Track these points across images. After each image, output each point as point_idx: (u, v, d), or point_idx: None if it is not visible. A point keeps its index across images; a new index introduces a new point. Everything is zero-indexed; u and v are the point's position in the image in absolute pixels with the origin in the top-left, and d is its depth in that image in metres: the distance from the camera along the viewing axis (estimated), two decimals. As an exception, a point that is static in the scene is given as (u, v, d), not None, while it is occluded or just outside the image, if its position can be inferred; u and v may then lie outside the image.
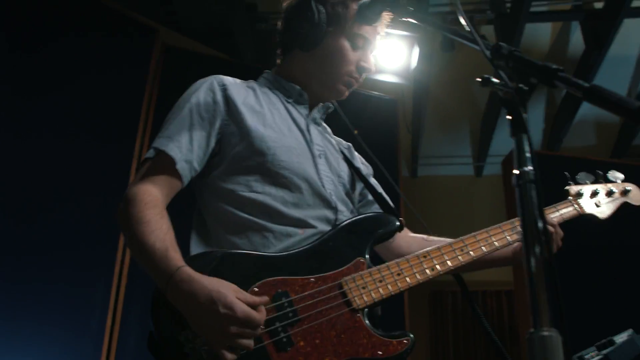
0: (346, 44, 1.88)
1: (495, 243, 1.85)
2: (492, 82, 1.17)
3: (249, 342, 1.39)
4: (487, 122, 7.13)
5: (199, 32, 5.60)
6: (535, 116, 7.36)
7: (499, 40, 5.94)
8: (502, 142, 7.05)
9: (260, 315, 1.40)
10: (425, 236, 2.01)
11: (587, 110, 6.79)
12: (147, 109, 4.02)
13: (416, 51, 4.97)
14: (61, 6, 3.73)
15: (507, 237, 1.87)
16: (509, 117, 1.17)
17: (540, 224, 1.04)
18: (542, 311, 0.98)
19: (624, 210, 2.12)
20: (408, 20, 1.65)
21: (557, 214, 2.01)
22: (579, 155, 6.29)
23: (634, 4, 5.38)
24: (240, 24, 5.53)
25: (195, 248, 1.73)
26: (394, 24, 1.98)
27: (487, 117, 7.08)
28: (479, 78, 1.19)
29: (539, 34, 6.52)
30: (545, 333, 0.96)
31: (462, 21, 1.36)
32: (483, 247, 1.83)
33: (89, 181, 3.61)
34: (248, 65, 5.23)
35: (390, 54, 4.99)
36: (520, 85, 1.12)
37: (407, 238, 2.01)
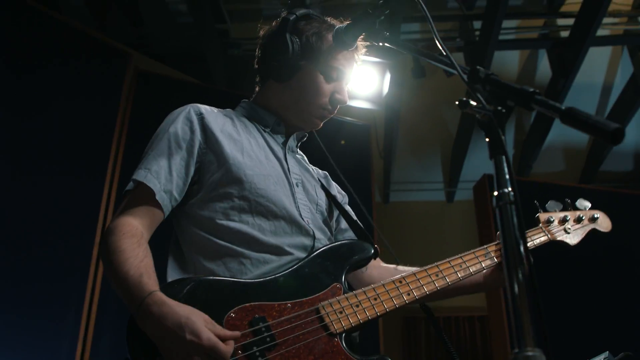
0: (320, 77, 1.88)
1: (470, 269, 1.86)
2: (470, 104, 1.18)
3: None
4: (458, 147, 7.21)
5: (171, 57, 5.61)
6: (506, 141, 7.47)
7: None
8: (474, 167, 7.13)
9: (227, 348, 1.38)
10: (395, 266, 2.00)
11: (555, 136, 6.93)
12: (120, 134, 3.99)
13: (388, 77, 5.01)
14: (32, 30, 3.70)
15: (481, 262, 1.88)
16: (487, 139, 1.17)
17: (521, 245, 1.04)
18: (526, 331, 0.98)
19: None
20: (383, 46, 1.67)
21: (528, 240, 2.02)
22: (548, 181, 6.40)
23: (599, 33, 5.54)
24: (213, 50, 5.55)
25: (172, 275, 1.71)
26: (367, 50, 1.99)
27: (458, 142, 7.17)
28: (457, 101, 1.19)
29: (507, 62, 6.67)
30: (530, 353, 0.96)
31: (439, 45, 1.37)
32: (458, 273, 1.84)
33: (59, 208, 3.56)
34: (221, 90, 5.23)
35: (362, 80, 5.03)
36: (499, 107, 1.13)
37: (379, 268, 2.01)
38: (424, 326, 7.18)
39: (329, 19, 1.95)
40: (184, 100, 1.90)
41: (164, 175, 1.67)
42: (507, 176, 1.12)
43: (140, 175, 1.67)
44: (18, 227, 3.37)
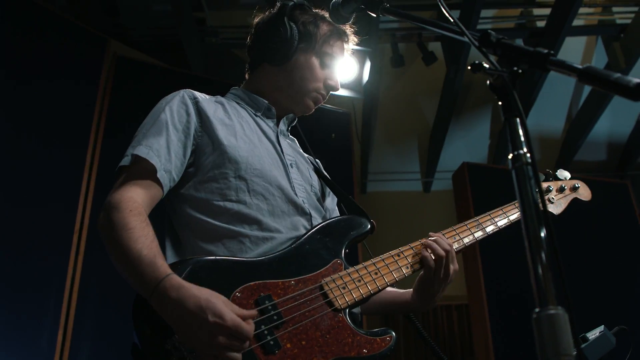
0: (315, 61, 1.95)
1: (464, 240, 1.89)
2: (483, 67, 1.17)
3: (237, 356, 1.33)
4: (435, 137, 7.25)
5: (148, 45, 5.54)
6: (481, 132, 7.54)
7: (446, 57, 6.08)
8: (450, 158, 7.18)
9: (250, 327, 1.35)
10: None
11: (530, 126, 6.93)
12: (99, 118, 3.93)
13: (368, 65, 5.00)
14: (9, 13, 3.61)
15: (474, 234, 1.92)
16: (500, 102, 1.16)
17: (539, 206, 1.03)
18: (548, 290, 0.97)
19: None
20: (383, 16, 1.65)
21: (516, 210, 2.04)
22: (525, 169, 6.46)
23: (574, 23, 5.60)
24: (190, 38, 5.48)
25: (170, 259, 1.68)
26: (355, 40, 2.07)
27: (435, 133, 7.20)
28: (470, 65, 1.18)
29: (484, 52, 6.70)
30: (552, 311, 0.95)
31: (446, 14, 1.36)
32: (455, 244, 1.86)
33: (39, 190, 3.48)
34: (198, 76, 5.17)
35: (342, 68, 5.00)
36: (515, 68, 1.12)
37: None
38: (402, 317, 7.20)
39: (320, 11, 2.02)
40: (163, 86, 1.90)
41: (164, 154, 1.65)
42: (523, 138, 1.11)
43: (142, 151, 1.63)
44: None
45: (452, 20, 1.34)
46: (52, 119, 3.67)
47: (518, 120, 1.13)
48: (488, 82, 1.20)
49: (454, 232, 1.89)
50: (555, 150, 7.46)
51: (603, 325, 1.89)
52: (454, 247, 1.83)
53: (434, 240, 1.80)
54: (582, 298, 4.63)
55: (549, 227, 1.02)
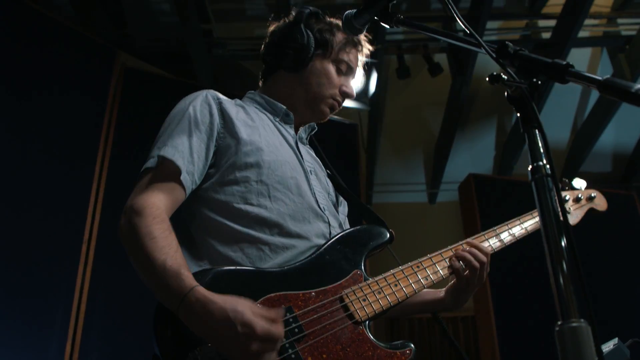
0: (332, 68, 1.95)
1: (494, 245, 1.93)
2: (502, 78, 1.17)
3: (272, 357, 1.34)
4: (440, 148, 7.24)
5: (155, 57, 5.56)
6: (486, 143, 7.54)
7: (451, 69, 6.09)
8: (456, 168, 7.18)
9: (280, 330, 1.34)
10: None
11: (536, 137, 6.98)
12: (108, 129, 3.94)
13: (374, 77, 5.02)
14: (18, 23, 3.63)
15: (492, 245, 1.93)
16: (518, 113, 1.16)
17: (560, 215, 1.03)
18: (570, 302, 0.97)
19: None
20: (397, 27, 1.66)
21: (533, 220, 2.05)
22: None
23: (580, 34, 5.62)
24: (197, 50, 5.51)
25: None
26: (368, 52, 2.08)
27: (441, 144, 7.20)
28: (488, 76, 1.18)
29: (489, 62, 6.70)
30: (575, 324, 0.95)
31: (462, 24, 1.36)
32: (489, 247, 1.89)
33: (48, 201, 3.49)
34: (207, 86, 5.18)
35: (358, 76, 5.01)
36: (534, 79, 1.12)
37: None
38: (407, 327, 7.18)
39: (335, 20, 2.03)
40: (172, 97, 1.88)
41: (187, 156, 1.63)
42: (542, 149, 1.11)
43: (168, 152, 1.61)
44: (6, 223, 3.29)
45: (468, 32, 1.34)
46: (61, 130, 3.69)
47: (537, 131, 1.12)
48: (506, 93, 1.20)
49: (484, 238, 1.93)
50: (560, 161, 7.45)
51: (617, 338, 1.88)
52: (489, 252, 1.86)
53: (469, 252, 1.81)
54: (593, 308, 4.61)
55: (570, 238, 1.02)
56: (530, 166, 1.10)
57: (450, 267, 1.81)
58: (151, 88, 4.36)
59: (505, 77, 1.18)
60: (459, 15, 1.40)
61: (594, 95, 6.88)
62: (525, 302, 4.85)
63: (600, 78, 1.05)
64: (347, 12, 1.81)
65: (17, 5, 3.63)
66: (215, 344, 1.35)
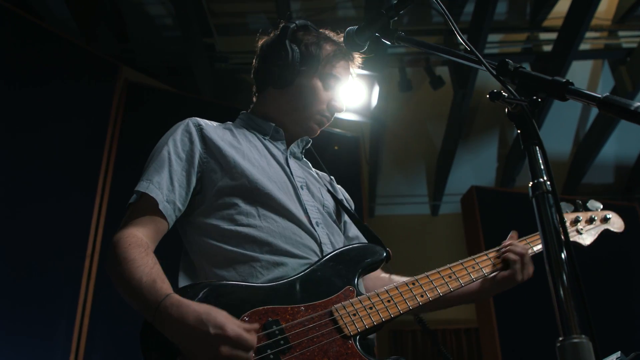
0: (318, 84, 1.92)
1: (483, 270, 1.88)
2: (502, 96, 1.18)
3: None
4: (442, 161, 7.25)
5: (158, 71, 5.59)
6: (488, 155, 7.55)
7: (453, 82, 6.12)
8: (458, 180, 7.18)
9: (253, 337, 1.35)
10: (389, 275, 2.01)
11: (538, 149, 6.99)
12: (111, 142, 3.96)
13: (376, 90, 5.04)
14: (21, 39, 3.66)
15: (493, 265, 1.90)
16: (518, 130, 1.17)
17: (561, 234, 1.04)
18: (571, 318, 0.97)
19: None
20: (398, 44, 1.67)
21: (540, 243, 2.03)
22: (533, 193, 6.45)
23: (581, 47, 5.64)
24: (200, 64, 5.54)
25: (183, 284, 1.68)
26: (361, 63, 2.05)
27: (443, 156, 7.21)
28: (489, 93, 1.20)
29: (491, 76, 6.72)
30: (576, 340, 0.95)
31: (462, 41, 1.37)
32: (471, 274, 1.85)
33: (51, 212, 3.51)
34: (209, 101, 5.21)
35: (351, 92, 5.04)
36: (534, 97, 1.13)
37: (374, 279, 1.99)
38: (410, 339, 7.17)
39: (324, 31, 2.01)
40: (175, 111, 1.91)
41: (166, 185, 1.67)
42: (542, 166, 1.12)
43: (142, 186, 1.66)
44: (9, 240, 3.30)
45: (469, 49, 1.35)
46: (64, 144, 3.70)
47: (537, 148, 1.13)
48: (506, 110, 1.21)
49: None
50: (563, 173, 7.45)
51: (620, 352, 1.87)
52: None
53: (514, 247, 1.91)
54: (594, 323, 4.59)
55: (571, 253, 1.03)
56: (531, 183, 1.11)
57: (502, 260, 1.89)
58: (154, 102, 4.39)
59: (506, 95, 1.19)
60: (460, 32, 1.41)
61: (596, 107, 6.89)
62: (528, 314, 4.83)
63: (599, 96, 1.06)
64: (348, 28, 1.82)
65: (20, 20, 3.65)
66: (186, 350, 1.35)
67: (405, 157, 7.70)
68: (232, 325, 1.33)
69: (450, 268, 1.83)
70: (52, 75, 3.77)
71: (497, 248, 1.95)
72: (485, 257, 1.92)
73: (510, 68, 1.23)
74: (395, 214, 7.94)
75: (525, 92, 1.19)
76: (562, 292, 1.00)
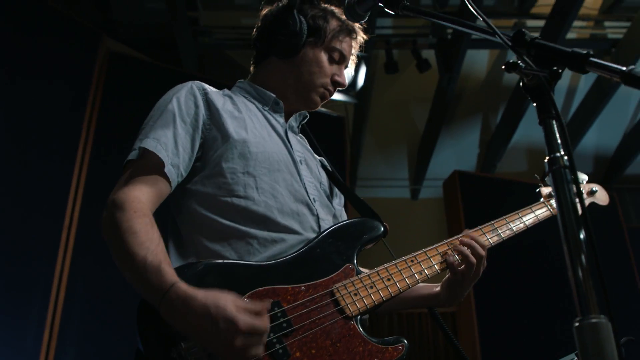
0: (324, 56, 1.88)
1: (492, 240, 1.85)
2: (519, 66, 1.13)
3: (258, 350, 1.30)
4: (425, 145, 7.24)
5: (140, 43, 5.47)
6: (471, 141, 7.56)
7: (439, 66, 6.08)
8: (440, 165, 7.18)
9: (264, 322, 1.30)
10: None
11: (519, 137, 7.02)
12: (91, 114, 3.85)
13: (363, 70, 4.98)
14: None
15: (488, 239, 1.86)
16: (534, 103, 1.13)
17: (579, 207, 1.00)
18: (590, 297, 0.94)
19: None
20: (402, 13, 1.61)
21: (532, 214, 1.99)
22: (513, 179, 6.48)
23: (567, 36, 5.64)
24: (183, 37, 5.44)
25: (172, 259, 1.60)
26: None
27: (425, 140, 7.20)
28: (505, 64, 1.15)
29: (477, 60, 6.73)
30: (595, 320, 0.92)
31: (474, 12, 1.33)
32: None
33: (27, 191, 3.40)
34: (192, 74, 5.10)
35: (350, 64, 4.98)
36: (554, 68, 1.08)
37: None
38: (386, 322, 7.18)
39: (330, 6, 1.96)
40: (157, 84, 1.82)
41: (171, 148, 1.58)
42: (559, 140, 1.07)
43: (150, 144, 1.56)
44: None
45: (482, 20, 1.30)
46: (43, 114, 3.59)
47: (554, 122, 1.09)
48: (521, 82, 1.16)
49: (481, 232, 1.85)
50: (542, 162, 7.47)
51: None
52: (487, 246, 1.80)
53: (467, 244, 1.76)
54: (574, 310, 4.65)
55: (590, 232, 0.99)
56: (547, 157, 1.07)
57: (445, 261, 1.75)
58: (136, 74, 4.27)
59: (523, 65, 1.14)
60: (474, 6, 1.36)
61: (579, 95, 6.92)
62: (507, 298, 4.86)
63: (623, 68, 1.02)
64: (347, 0, 1.77)
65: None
66: (199, 340, 1.31)
67: (387, 139, 7.68)
68: (242, 317, 1.27)
69: (447, 244, 1.79)
70: (31, 42, 3.64)
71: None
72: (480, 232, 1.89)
73: (527, 39, 1.18)
74: (375, 196, 7.91)
75: (542, 64, 1.14)
76: (580, 271, 0.96)
